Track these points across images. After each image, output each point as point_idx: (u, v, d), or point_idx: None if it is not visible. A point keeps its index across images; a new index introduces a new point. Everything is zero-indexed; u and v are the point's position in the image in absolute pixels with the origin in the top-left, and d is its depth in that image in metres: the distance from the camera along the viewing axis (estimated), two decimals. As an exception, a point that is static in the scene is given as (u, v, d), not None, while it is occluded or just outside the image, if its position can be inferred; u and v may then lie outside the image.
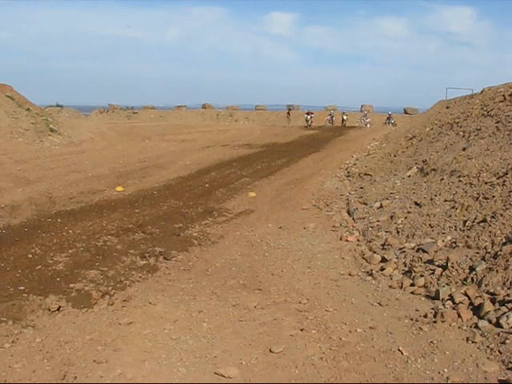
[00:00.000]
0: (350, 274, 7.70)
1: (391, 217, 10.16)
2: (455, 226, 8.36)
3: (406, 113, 59.83)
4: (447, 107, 20.97)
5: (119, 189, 13.89)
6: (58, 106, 56.11)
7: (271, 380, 4.74)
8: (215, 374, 4.82)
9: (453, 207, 9.12)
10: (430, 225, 8.87)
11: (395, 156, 17.10)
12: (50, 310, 6.14)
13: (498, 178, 9.29)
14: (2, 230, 9.52)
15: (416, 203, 10.38)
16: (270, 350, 5.26)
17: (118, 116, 64.86)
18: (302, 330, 5.76)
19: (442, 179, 11.02)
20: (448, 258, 7.07)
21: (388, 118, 52.16)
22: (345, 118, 52.42)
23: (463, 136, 13.66)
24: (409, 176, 13.19)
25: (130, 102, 74.10)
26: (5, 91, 28.64)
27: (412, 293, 6.79)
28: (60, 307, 6.22)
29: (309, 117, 49.25)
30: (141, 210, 11.58)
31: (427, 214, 9.39)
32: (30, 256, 8.05)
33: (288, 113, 58.16)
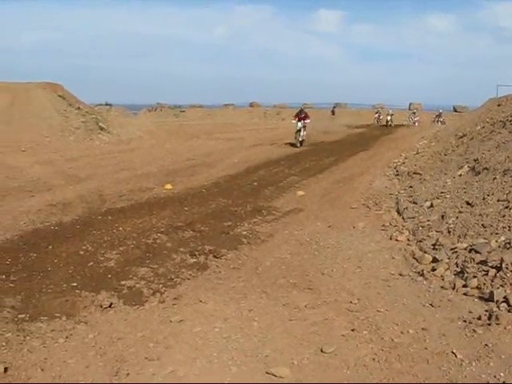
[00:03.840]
0: (400, 274, 7.59)
1: (442, 216, 9.99)
2: (509, 227, 8.17)
3: (455, 111, 58.92)
4: (499, 105, 20.59)
5: (168, 187, 13.99)
6: (106, 104, 57.00)
7: (323, 381, 4.71)
8: (267, 373, 4.80)
9: (506, 207, 8.92)
10: (482, 225, 8.70)
11: (445, 155, 16.84)
12: (101, 307, 6.21)
13: (553, 178, 9.08)
14: (55, 227, 9.68)
15: (468, 203, 10.19)
16: (322, 350, 5.22)
17: (165, 114, 65.51)
18: (353, 330, 5.70)
19: (495, 178, 10.79)
20: (502, 258, 6.90)
21: (437, 116, 51.15)
22: (388, 118, 50.20)
23: (516, 134, 13.38)
24: (460, 175, 12.96)
25: (177, 101, 74.82)
26: (56, 91, 29.23)
27: (465, 294, 6.63)
28: (112, 304, 6.29)
29: (300, 123, 27.66)
30: (190, 207, 11.64)
31: (479, 214, 9.21)
32: (82, 253, 8.17)
33: (332, 111, 56.15)
